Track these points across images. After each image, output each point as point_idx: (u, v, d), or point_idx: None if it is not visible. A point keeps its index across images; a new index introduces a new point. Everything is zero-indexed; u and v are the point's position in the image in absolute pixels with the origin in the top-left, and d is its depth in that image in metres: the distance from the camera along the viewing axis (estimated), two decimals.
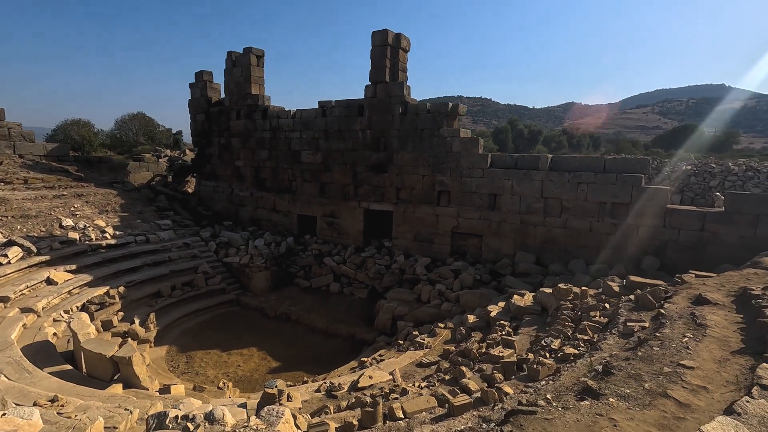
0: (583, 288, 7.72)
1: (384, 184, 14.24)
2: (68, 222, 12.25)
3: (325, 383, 6.09)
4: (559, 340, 5.86)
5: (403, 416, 4.08)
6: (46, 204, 12.72)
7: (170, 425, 3.03)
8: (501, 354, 5.96)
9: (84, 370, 6.98)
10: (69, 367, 6.92)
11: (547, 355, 5.46)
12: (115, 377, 6.49)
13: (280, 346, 10.28)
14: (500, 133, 48.80)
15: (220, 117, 18.18)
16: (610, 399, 3.23)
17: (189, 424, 2.85)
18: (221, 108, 18.13)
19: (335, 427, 3.93)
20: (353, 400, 5.09)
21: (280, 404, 5.04)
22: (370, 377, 6.10)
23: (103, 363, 6.43)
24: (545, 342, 5.78)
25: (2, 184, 12.91)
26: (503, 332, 7.28)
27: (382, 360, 7.89)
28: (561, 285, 7.83)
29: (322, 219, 15.76)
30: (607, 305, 6.67)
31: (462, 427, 3.17)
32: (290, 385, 7.48)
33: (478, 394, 4.27)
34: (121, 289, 10.80)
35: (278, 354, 9.86)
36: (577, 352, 5.00)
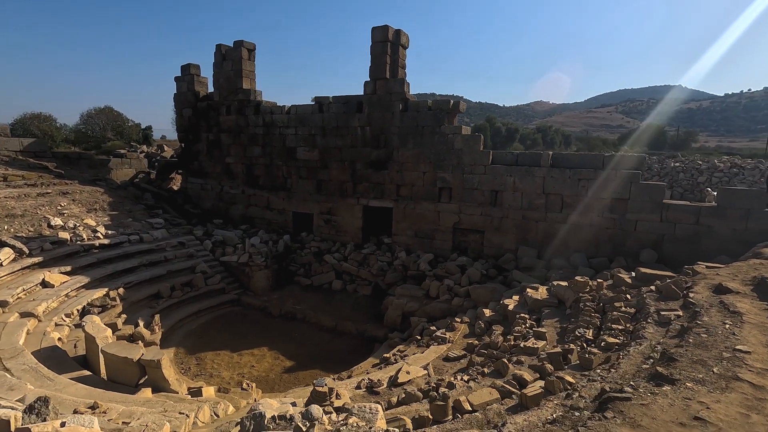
0: (599, 280, 8.02)
1: (384, 181, 14.24)
2: (57, 221, 11.63)
3: (363, 380, 6.08)
4: (591, 330, 6.08)
5: (471, 409, 4.15)
6: (30, 202, 12.01)
7: (270, 426, 2.97)
8: (535, 345, 6.13)
9: (104, 374, 6.68)
10: (87, 372, 6.62)
11: (584, 345, 5.66)
12: (141, 381, 6.26)
13: (290, 345, 10.16)
14: (478, 130, 49.55)
15: (208, 112, 17.66)
16: (687, 383, 3.40)
17: (300, 424, 2.80)
18: (210, 103, 17.61)
19: (410, 421, 3.95)
20: (403, 395, 5.12)
21: (331, 402, 5.02)
22: (407, 372, 6.14)
23: (129, 367, 6.18)
24: (579, 332, 5.98)
25: None
26: (526, 325, 7.48)
27: (405, 356, 7.95)
28: (578, 278, 8.10)
29: (319, 216, 15.61)
30: (628, 296, 6.96)
31: (553, 416, 3.27)
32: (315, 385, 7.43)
33: (538, 384, 4.38)
34: (121, 290, 10.38)
35: (290, 353, 9.75)
36: (618, 341, 5.22)
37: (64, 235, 11.24)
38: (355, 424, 3.04)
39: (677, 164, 15.11)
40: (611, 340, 5.22)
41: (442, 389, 5.21)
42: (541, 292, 8.69)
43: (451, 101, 13.10)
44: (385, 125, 13.94)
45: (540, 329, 6.78)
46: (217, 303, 12.09)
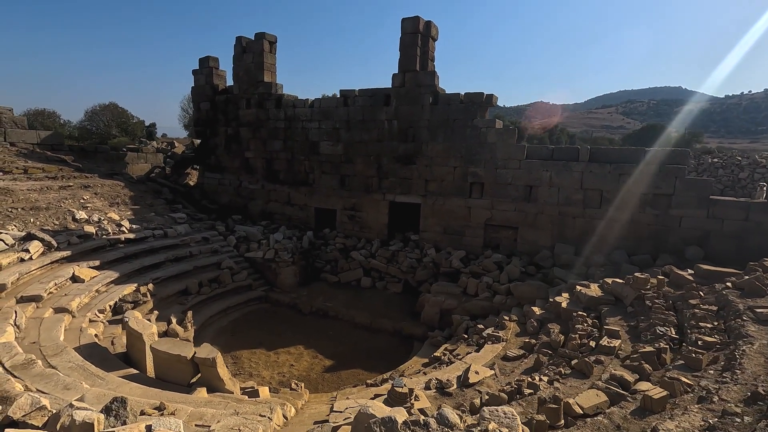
0: (660, 277, 7.70)
1: (411, 176, 13.91)
2: (82, 215, 11.26)
3: (431, 380, 5.75)
4: (672, 328, 5.76)
5: (582, 412, 3.83)
6: (53, 195, 11.64)
7: (403, 431, 2.65)
8: (611, 344, 5.81)
9: (151, 372, 6.34)
10: (133, 370, 6.27)
11: (670, 344, 5.34)
12: (194, 380, 5.92)
13: (327, 343, 9.82)
14: None
15: (227, 106, 17.29)
16: None
17: (438, 431, 2.48)
18: (229, 96, 17.23)
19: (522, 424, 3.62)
20: (486, 397, 4.79)
21: (412, 404, 4.69)
22: (476, 372, 5.82)
23: (181, 365, 5.84)
24: (660, 331, 5.67)
25: (1, 173, 11.73)
26: (587, 323, 7.16)
27: (457, 355, 7.63)
28: (638, 274, 7.78)
29: (342, 212, 15.27)
30: (701, 293, 6.65)
31: (706, 422, 2.95)
32: (370, 384, 7.12)
33: (646, 385, 4.06)
34: (150, 286, 10.02)
35: (328, 352, 9.41)
36: (716, 339, 4.90)
37: (90, 229, 10.88)
38: (495, 430, 2.71)
39: (715, 160, 14.82)
40: (709, 339, 4.91)
41: (526, 390, 4.89)
42: (594, 290, 8.37)
43: (484, 94, 12.76)
44: (414, 119, 13.61)
45: (609, 327, 6.46)
46: (245, 300, 11.74)
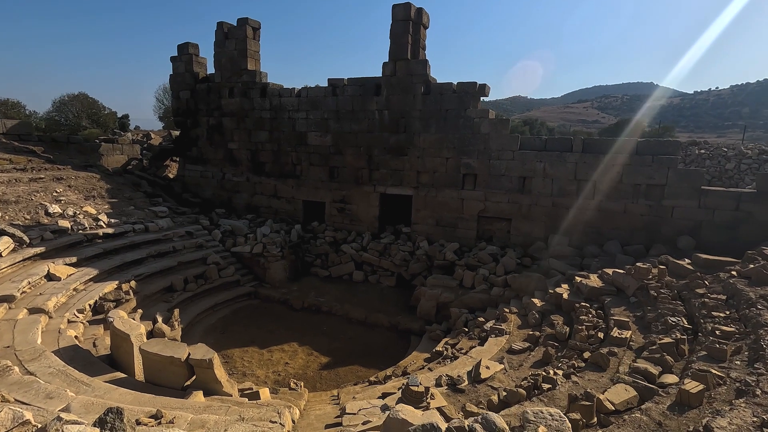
0: (660, 267, 7.67)
1: (403, 168, 13.63)
2: (55, 209, 10.55)
3: (441, 376, 5.52)
4: (683, 318, 5.69)
5: (613, 408, 3.65)
6: (23, 188, 10.87)
7: None
8: (622, 335, 5.71)
9: (140, 376, 5.91)
10: (120, 374, 5.82)
11: (681, 334, 5.26)
12: (188, 383, 5.52)
13: (322, 339, 9.50)
14: None
15: (209, 95, 16.58)
16: None
17: None
18: (210, 85, 16.52)
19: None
20: (504, 394, 4.59)
21: (428, 403, 4.45)
22: (487, 367, 5.62)
23: (174, 368, 5.43)
24: (672, 321, 5.59)
25: None
26: (591, 314, 7.07)
27: (461, 349, 7.44)
28: (640, 264, 7.74)
29: (331, 205, 14.89)
30: (706, 282, 6.62)
31: (765, 416, 2.79)
32: (373, 381, 6.86)
33: (673, 379, 3.93)
34: (133, 283, 9.47)
35: (323, 348, 9.09)
36: (733, 329, 4.83)
37: (65, 223, 10.20)
38: None
39: (702, 151, 15.12)
40: (726, 328, 4.83)
41: (544, 385, 4.72)
42: (594, 281, 8.31)
43: (477, 84, 12.55)
44: (406, 109, 13.30)
45: (617, 318, 6.37)
46: (233, 296, 11.28)
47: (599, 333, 6.20)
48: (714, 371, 3.83)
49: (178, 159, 18.49)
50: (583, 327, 6.53)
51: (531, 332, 7.31)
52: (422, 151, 13.28)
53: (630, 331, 5.87)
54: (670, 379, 4.08)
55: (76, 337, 7.05)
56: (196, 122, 17.01)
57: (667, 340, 4.98)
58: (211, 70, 16.95)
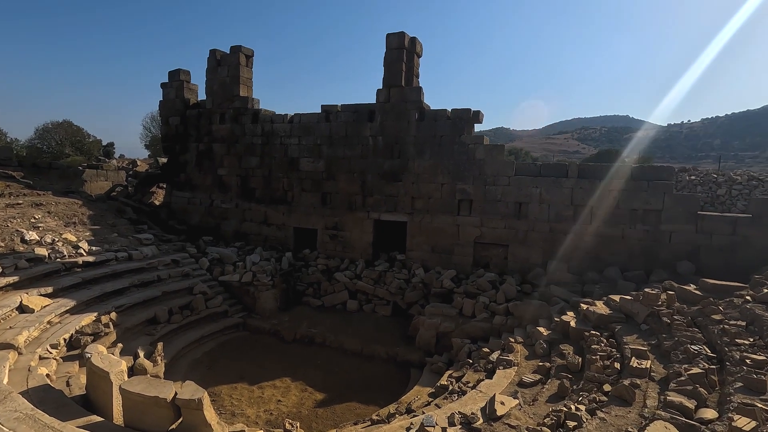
0: (669, 293, 7.47)
1: (397, 193, 13.43)
2: (32, 236, 9.96)
3: (454, 414, 5.09)
4: (704, 346, 5.42)
5: None
6: None
7: None
8: (642, 366, 5.40)
9: (119, 419, 5.31)
10: (97, 417, 5.22)
11: (707, 364, 4.98)
12: (173, 426, 4.96)
13: (315, 373, 8.93)
14: None
15: (199, 120, 16.35)
16: None
17: None
18: (201, 111, 16.34)
19: None
20: None
21: None
22: (502, 403, 5.22)
23: (159, 409, 4.88)
24: (694, 349, 5.31)
25: None
26: (604, 344, 6.76)
27: (467, 383, 7.00)
28: (648, 290, 7.54)
29: (323, 231, 14.51)
30: (720, 307, 6.41)
31: None
32: (376, 421, 6.35)
33: (711, 414, 3.61)
34: (113, 315, 8.84)
35: (318, 384, 8.52)
36: (764, 357, 4.57)
37: (42, 251, 9.60)
38: None
39: (692, 177, 15.41)
40: (757, 357, 4.57)
41: (569, 422, 4.34)
42: (601, 308, 8.04)
43: (471, 110, 12.61)
44: (400, 134, 13.25)
45: (632, 347, 6.06)
46: (221, 328, 10.66)
47: (615, 363, 5.87)
48: (759, 405, 3.54)
49: (165, 185, 18.02)
50: (597, 357, 6.20)
51: (540, 363, 6.94)
52: (417, 176, 13.14)
53: (648, 361, 5.56)
54: (709, 414, 3.77)
55: (48, 375, 6.42)
56: (185, 148, 16.69)
57: (695, 370, 4.68)
58: (202, 96, 16.83)
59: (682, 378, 4.59)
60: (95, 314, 8.60)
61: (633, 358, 5.62)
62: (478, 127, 12.91)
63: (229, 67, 15.63)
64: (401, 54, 13.06)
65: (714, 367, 4.76)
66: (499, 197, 12.23)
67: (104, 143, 47.06)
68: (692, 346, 5.39)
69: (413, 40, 13.37)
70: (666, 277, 9.99)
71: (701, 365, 4.79)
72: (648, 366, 5.42)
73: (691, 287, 7.79)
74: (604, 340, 6.84)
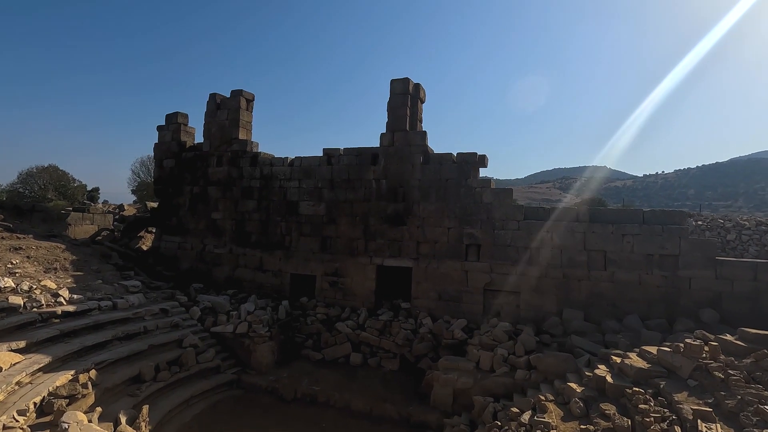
0: (712, 344, 6.94)
1: (402, 238, 12.94)
2: (7, 282, 9.04)
3: None
4: None
5: None
6: None
7: None
8: (711, 429, 4.75)
9: None
10: None
11: None
12: None
13: None
14: None
15: (195, 163, 15.95)
16: None
17: None
18: (197, 153, 15.97)
19: None
20: None
21: None
22: None
23: None
24: None
25: None
26: (653, 402, 6.10)
27: None
28: (689, 340, 7.00)
29: (323, 278, 13.78)
30: None
31: None
32: None
33: None
34: (93, 373, 7.81)
35: None
36: None
37: (16, 300, 8.66)
38: None
39: (699, 223, 15.43)
40: None
41: None
42: (636, 360, 7.43)
43: (477, 154, 12.50)
44: (404, 178, 12.98)
45: (689, 406, 5.43)
46: (213, 385, 9.60)
47: (675, 427, 5.21)
48: None
49: (154, 230, 17.23)
50: (651, 419, 5.54)
51: (582, 426, 6.21)
52: (422, 220, 12.74)
53: (717, 425, 4.93)
54: None
55: None
56: (178, 191, 16.12)
57: None
58: (198, 139, 16.55)
59: None
60: (72, 372, 7.59)
61: (699, 421, 4.98)
62: (483, 171, 12.76)
63: (229, 110, 15.51)
64: (405, 99, 13.10)
65: None
66: (508, 242, 11.83)
67: (89, 188, 46.13)
68: (765, 407, 4.80)
69: (417, 86, 13.51)
70: (691, 326, 9.51)
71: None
72: (715, 429, 4.78)
73: (730, 337, 7.29)
74: (651, 399, 6.18)
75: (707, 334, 8.01)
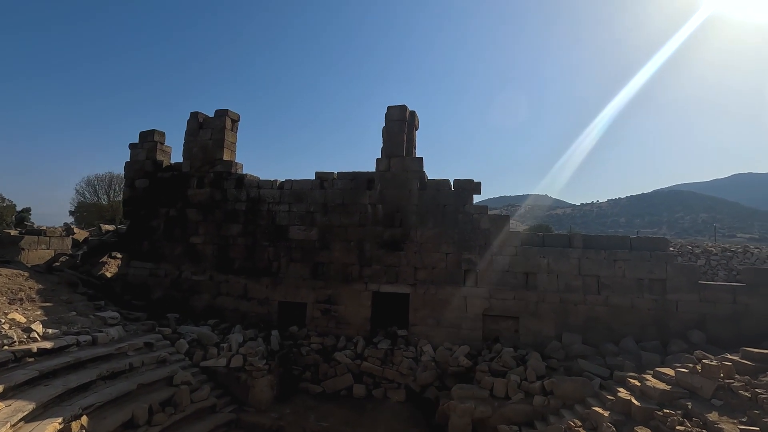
0: (726, 363, 7.36)
1: (399, 263, 12.80)
2: None
3: None
4: None
5: None
6: None
7: None
8: None
9: None
10: None
11: None
12: None
13: None
14: None
15: (172, 184, 14.97)
16: None
17: None
18: (175, 174, 15.04)
19: None
20: None
21: None
22: None
23: None
24: None
25: None
26: (688, 425, 6.31)
27: None
28: (706, 361, 7.37)
29: (314, 306, 13.21)
30: None
31: None
32: None
33: None
34: (84, 420, 6.86)
35: None
36: None
37: None
38: None
39: (672, 249, 16.58)
40: None
41: None
42: (655, 382, 7.71)
43: (473, 181, 12.80)
44: (401, 203, 12.97)
45: (725, 426, 5.67)
46: (211, 427, 8.72)
47: None
48: None
49: (119, 255, 15.82)
50: None
51: None
52: (420, 246, 12.71)
53: None
54: None
55: None
56: (153, 213, 14.99)
57: None
58: (176, 159, 15.64)
59: None
60: (59, 420, 6.60)
61: None
62: (476, 198, 13.04)
63: (212, 130, 14.85)
64: (402, 125, 13.26)
65: None
66: (507, 267, 12.06)
67: (18, 209, 41.87)
68: None
69: (412, 113, 13.75)
70: (684, 347, 10.10)
71: None
72: None
73: (735, 357, 7.78)
74: (686, 420, 6.40)
75: (706, 354, 8.51)
